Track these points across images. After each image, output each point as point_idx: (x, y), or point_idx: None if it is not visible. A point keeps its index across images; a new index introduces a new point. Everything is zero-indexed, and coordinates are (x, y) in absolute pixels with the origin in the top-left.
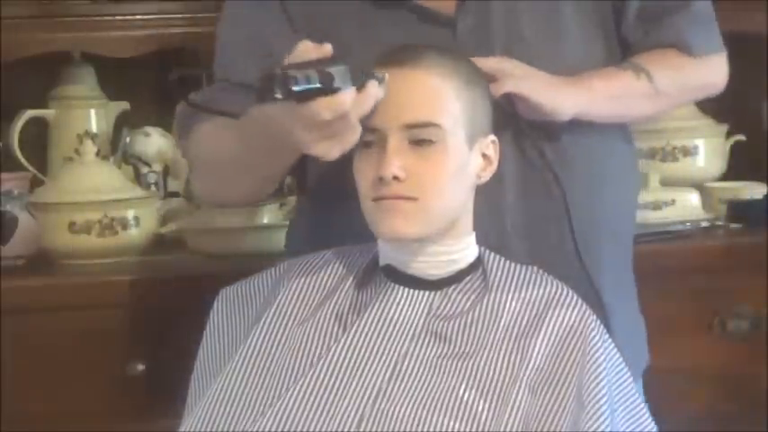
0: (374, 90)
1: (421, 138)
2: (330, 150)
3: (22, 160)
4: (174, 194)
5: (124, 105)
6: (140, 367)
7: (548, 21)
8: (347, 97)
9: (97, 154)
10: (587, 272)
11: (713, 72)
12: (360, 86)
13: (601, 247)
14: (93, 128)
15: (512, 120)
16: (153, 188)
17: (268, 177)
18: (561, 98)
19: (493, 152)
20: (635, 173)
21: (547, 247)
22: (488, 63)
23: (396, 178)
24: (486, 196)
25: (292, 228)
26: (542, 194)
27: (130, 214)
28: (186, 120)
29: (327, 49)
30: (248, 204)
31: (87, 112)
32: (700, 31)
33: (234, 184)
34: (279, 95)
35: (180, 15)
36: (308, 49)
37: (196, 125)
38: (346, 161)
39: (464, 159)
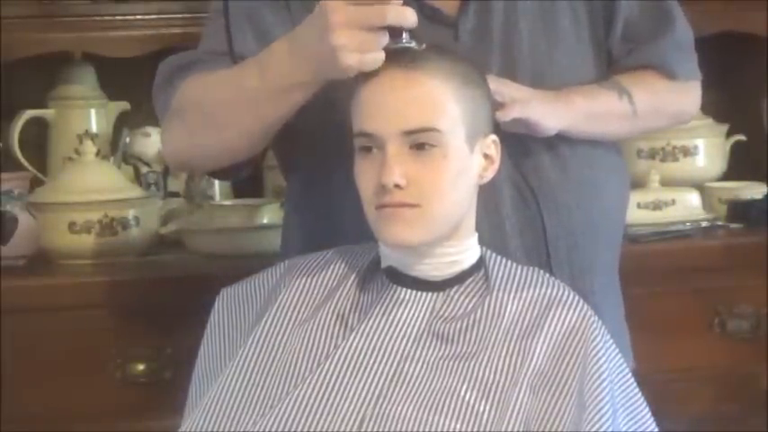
0: (413, 15)
1: (421, 141)
2: (349, 49)
3: (22, 160)
4: (174, 194)
5: (124, 105)
6: (140, 367)
7: (545, 27)
8: None
9: (97, 154)
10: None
11: (689, 100)
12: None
13: (595, 250)
14: (93, 128)
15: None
16: (153, 188)
17: (266, 122)
18: (548, 115)
19: (494, 152)
20: (625, 183)
21: (535, 250)
22: (490, 84)
23: (397, 186)
24: (485, 197)
25: (286, 228)
26: (532, 199)
27: (130, 214)
28: (176, 73)
29: None
30: (220, 166)
31: (87, 112)
32: (682, 56)
33: (224, 133)
34: None
35: (180, 15)
36: None
37: (188, 77)
38: (335, 160)
39: (465, 162)
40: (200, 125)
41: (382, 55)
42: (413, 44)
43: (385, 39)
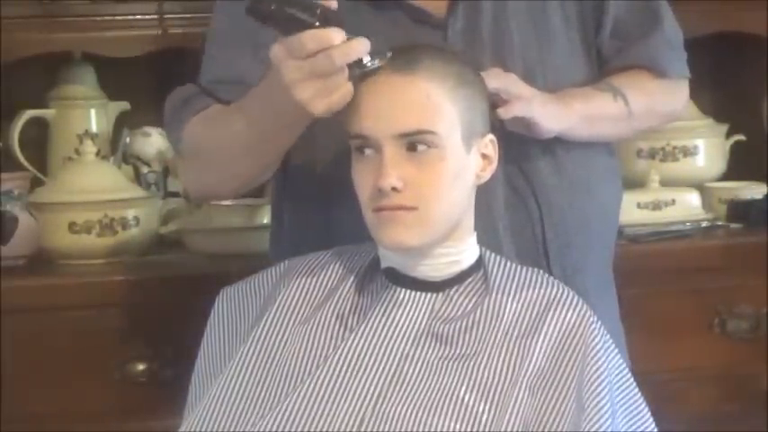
0: (363, 43)
1: (417, 143)
2: (314, 99)
3: (22, 160)
4: (174, 194)
5: (124, 105)
6: (140, 367)
7: (535, 27)
8: (334, 34)
9: (97, 154)
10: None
11: (679, 98)
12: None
13: (588, 251)
14: (93, 128)
15: (499, 125)
16: (153, 188)
17: (267, 159)
18: (548, 117)
19: (492, 151)
20: (617, 184)
21: (528, 250)
22: (492, 82)
23: (394, 189)
24: (478, 197)
25: (276, 236)
26: (525, 199)
27: (130, 214)
28: (179, 111)
29: (333, 3)
30: (239, 194)
31: (87, 112)
32: (672, 55)
33: (233, 170)
34: (273, 6)
35: (180, 15)
36: None
37: (191, 116)
38: (329, 165)
39: (462, 163)
40: (206, 169)
41: (349, 89)
42: (376, 63)
43: (344, 75)
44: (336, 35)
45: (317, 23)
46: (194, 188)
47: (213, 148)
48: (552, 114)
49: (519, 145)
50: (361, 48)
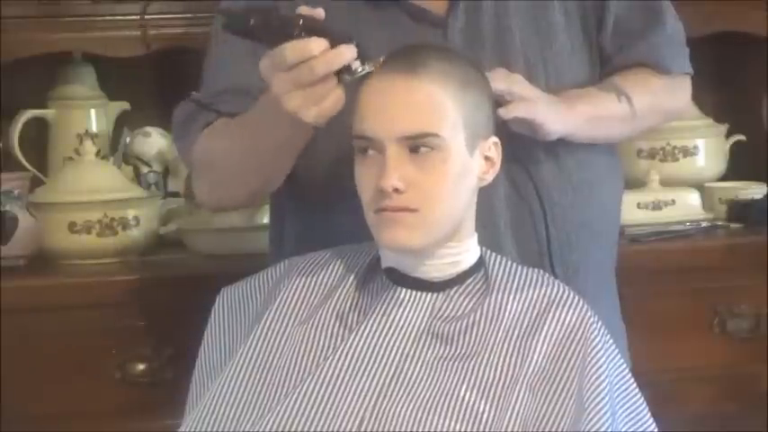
0: (347, 51)
1: (420, 145)
2: (303, 107)
3: (22, 160)
4: (174, 194)
5: (124, 105)
6: (140, 367)
7: (537, 25)
8: (313, 44)
9: (97, 154)
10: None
11: (681, 95)
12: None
13: (588, 251)
14: (93, 128)
15: (503, 126)
16: (153, 188)
17: (273, 173)
18: (553, 119)
19: (495, 153)
20: (618, 184)
21: (529, 248)
22: (497, 83)
23: (396, 190)
24: (480, 196)
25: (277, 238)
26: (527, 198)
27: (130, 214)
28: (186, 128)
29: (319, 12)
30: (251, 205)
31: (87, 112)
32: (675, 51)
33: (241, 183)
34: (252, 21)
35: (180, 15)
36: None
37: (198, 132)
38: (331, 167)
39: (465, 165)
40: (216, 183)
41: (339, 95)
42: (366, 69)
43: (331, 82)
44: (316, 45)
45: (300, 34)
46: (208, 201)
47: (222, 163)
48: (557, 116)
49: (522, 146)
50: (345, 56)
